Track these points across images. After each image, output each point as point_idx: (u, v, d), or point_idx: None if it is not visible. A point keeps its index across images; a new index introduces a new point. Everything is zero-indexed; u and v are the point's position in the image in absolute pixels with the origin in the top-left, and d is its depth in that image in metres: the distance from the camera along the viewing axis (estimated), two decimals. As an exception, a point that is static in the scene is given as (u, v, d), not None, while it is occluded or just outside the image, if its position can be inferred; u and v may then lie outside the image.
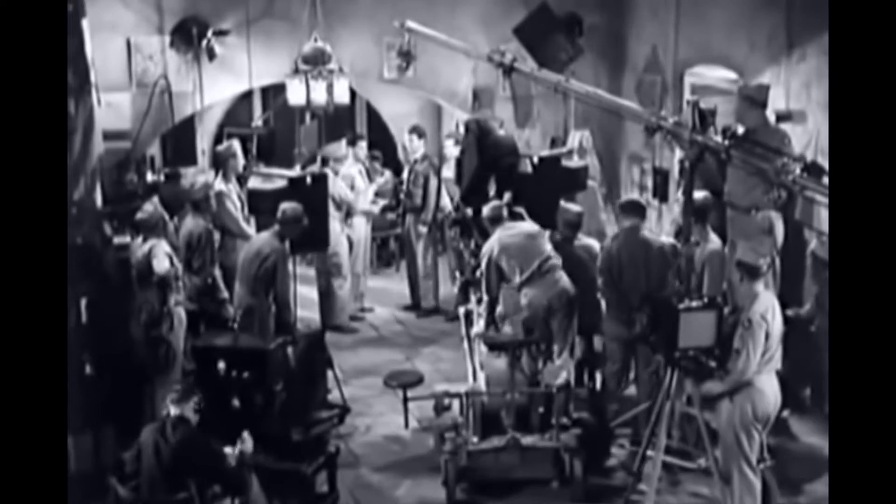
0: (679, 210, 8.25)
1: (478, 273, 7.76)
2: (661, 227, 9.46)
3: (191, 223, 7.86)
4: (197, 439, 5.47)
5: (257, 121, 11.60)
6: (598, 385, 7.67)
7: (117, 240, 7.26)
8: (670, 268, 6.89)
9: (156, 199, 8.19)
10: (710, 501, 6.32)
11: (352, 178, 10.07)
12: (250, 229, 8.43)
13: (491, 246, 7.40)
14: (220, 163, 8.81)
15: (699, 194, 6.94)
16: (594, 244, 7.77)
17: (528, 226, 7.55)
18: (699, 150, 5.78)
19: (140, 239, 7.26)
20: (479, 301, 7.80)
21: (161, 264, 7.01)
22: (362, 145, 10.57)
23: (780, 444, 6.78)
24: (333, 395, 7.75)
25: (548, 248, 7.37)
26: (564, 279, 7.26)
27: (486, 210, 7.70)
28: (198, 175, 9.24)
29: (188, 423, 5.47)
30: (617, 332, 7.11)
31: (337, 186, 9.29)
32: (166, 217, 7.69)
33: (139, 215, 7.39)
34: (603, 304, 7.34)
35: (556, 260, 7.31)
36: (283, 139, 11.44)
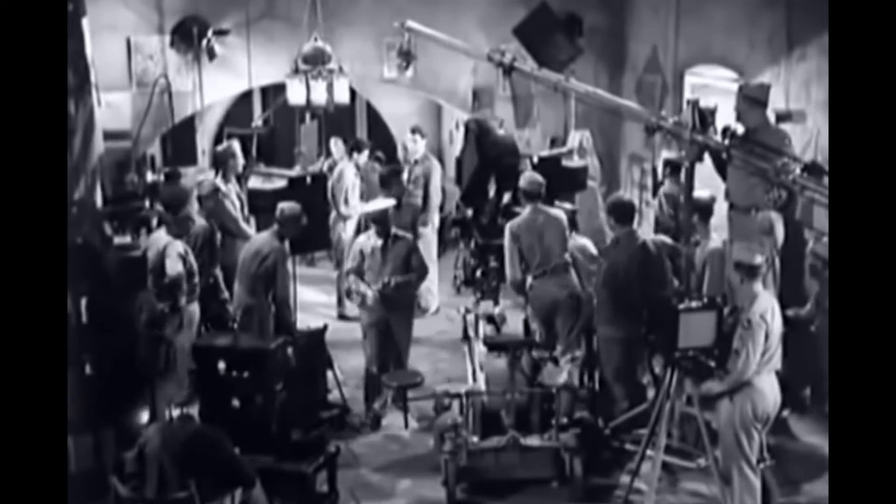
0: (656, 207, 8.29)
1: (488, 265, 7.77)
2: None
3: (191, 223, 7.86)
4: (206, 432, 5.48)
5: (257, 121, 11.60)
6: (598, 386, 7.65)
7: (117, 240, 7.25)
8: (668, 266, 6.90)
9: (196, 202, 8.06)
10: (710, 501, 6.31)
11: (342, 173, 10.03)
12: (250, 229, 8.43)
13: (511, 228, 7.38)
14: (219, 163, 8.80)
15: (704, 193, 6.95)
16: (588, 243, 7.76)
17: (550, 219, 7.45)
18: (699, 149, 5.79)
19: (161, 231, 7.22)
20: (478, 301, 7.81)
21: (173, 266, 7.01)
22: (365, 154, 10.54)
23: (780, 444, 6.77)
24: (333, 395, 7.75)
25: (564, 245, 7.37)
26: (574, 281, 7.25)
27: (524, 182, 7.57)
28: (199, 174, 9.24)
29: (194, 420, 5.49)
30: (613, 334, 7.08)
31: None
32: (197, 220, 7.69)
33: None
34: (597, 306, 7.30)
35: (569, 260, 7.31)
36: (283, 139, 11.45)
